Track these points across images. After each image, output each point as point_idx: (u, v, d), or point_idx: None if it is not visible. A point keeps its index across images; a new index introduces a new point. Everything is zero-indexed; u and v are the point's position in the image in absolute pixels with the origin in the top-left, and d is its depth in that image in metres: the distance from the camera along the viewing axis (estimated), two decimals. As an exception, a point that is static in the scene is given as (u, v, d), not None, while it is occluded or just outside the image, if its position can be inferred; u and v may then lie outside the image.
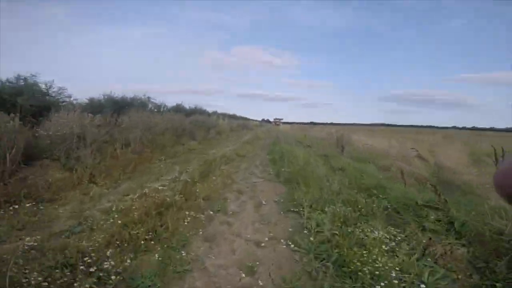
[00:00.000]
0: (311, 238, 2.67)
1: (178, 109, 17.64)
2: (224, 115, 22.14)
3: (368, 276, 2.01)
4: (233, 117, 32.95)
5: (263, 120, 77.64)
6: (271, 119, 51.46)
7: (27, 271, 1.89)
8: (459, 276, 2.05)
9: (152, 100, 12.11)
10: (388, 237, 2.66)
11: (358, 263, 2.14)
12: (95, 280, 1.90)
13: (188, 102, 19.32)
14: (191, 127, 11.63)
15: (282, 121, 45.25)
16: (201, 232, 2.88)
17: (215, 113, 18.92)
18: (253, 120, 46.31)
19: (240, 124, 25.61)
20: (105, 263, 2.07)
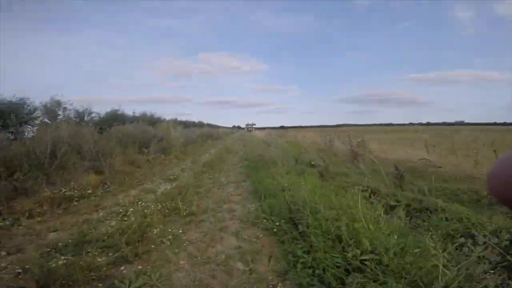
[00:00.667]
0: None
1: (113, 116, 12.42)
2: (181, 123, 17.05)
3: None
4: (198, 125, 27.83)
5: (234, 126, 73.82)
6: (243, 125, 47.62)
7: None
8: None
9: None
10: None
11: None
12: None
13: (150, 111, 14.82)
14: (102, 145, 6.55)
15: (254, 126, 41.77)
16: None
17: (163, 121, 13.86)
18: (223, 127, 41.48)
19: (205, 133, 20.64)
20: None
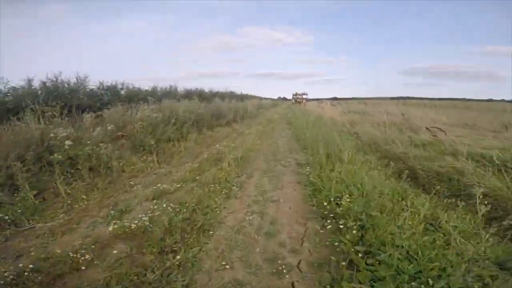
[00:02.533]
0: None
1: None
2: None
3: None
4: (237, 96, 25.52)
5: (279, 98, 69.64)
6: (289, 96, 41.76)
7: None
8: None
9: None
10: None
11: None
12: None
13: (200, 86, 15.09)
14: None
15: (306, 96, 34.09)
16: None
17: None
18: (266, 98, 38.22)
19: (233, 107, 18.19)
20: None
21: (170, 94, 12.94)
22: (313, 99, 37.25)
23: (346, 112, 13.31)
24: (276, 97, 67.36)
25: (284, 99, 68.14)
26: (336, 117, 11.46)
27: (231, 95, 22.52)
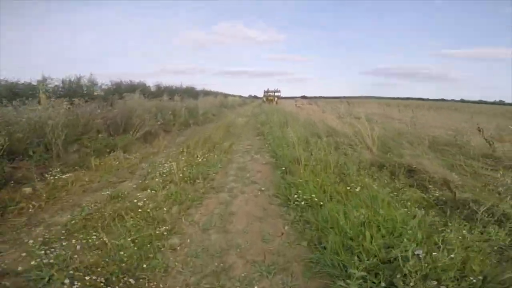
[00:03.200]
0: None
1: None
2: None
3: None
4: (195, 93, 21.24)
5: (250, 96, 66.30)
6: (260, 95, 38.23)
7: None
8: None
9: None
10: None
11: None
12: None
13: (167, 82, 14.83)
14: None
15: (279, 94, 29.62)
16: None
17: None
18: (234, 96, 33.77)
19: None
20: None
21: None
22: (284, 97, 33.86)
23: (339, 115, 9.59)
24: (247, 95, 64.24)
25: (255, 97, 64.87)
26: (332, 123, 7.64)
27: (187, 91, 17.94)
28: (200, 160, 5.07)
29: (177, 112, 9.60)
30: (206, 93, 21.32)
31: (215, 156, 5.45)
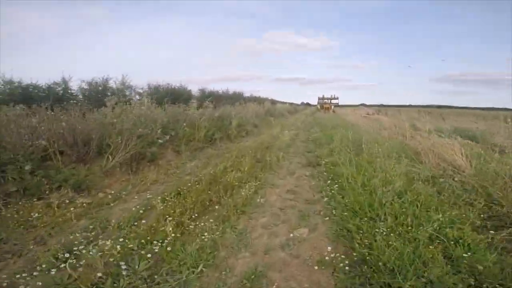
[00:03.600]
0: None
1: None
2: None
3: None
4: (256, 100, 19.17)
5: (302, 103, 63.13)
6: (314, 102, 34.48)
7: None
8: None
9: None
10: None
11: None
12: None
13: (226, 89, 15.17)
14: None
15: (336, 102, 25.34)
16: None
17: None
18: (283, 103, 30.71)
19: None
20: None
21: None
22: (340, 105, 29.22)
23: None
24: (299, 103, 61.38)
25: (308, 104, 61.14)
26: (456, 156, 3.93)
27: (234, 97, 15.74)
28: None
29: (199, 122, 7.06)
30: (252, 100, 18.91)
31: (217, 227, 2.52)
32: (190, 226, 2.53)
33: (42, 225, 2.69)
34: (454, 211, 2.61)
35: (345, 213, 2.74)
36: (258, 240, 2.42)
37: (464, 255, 1.92)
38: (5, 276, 1.89)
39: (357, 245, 2.13)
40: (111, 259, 1.96)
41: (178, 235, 2.36)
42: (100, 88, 8.74)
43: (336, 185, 3.57)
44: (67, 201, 3.24)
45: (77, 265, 1.89)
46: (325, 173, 4.31)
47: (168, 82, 11.80)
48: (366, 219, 2.55)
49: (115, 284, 1.73)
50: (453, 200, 2.94)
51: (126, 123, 4.70)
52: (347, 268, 1.94)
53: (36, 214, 2.85)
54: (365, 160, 4.41)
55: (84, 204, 3.21)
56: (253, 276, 1.89)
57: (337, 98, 25.26)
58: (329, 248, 2.21)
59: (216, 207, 3.02)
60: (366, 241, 2.17)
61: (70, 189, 3.49)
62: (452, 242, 2.09)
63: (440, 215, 2.43)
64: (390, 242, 2.07)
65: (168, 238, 2.26)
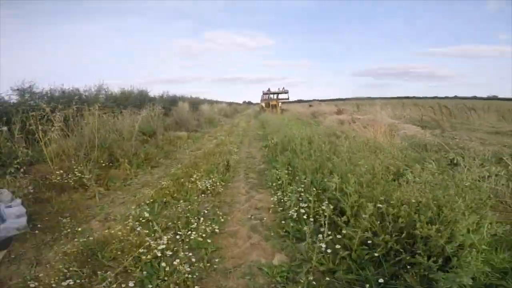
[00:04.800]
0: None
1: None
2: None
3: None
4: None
5: (244, 102, 59.86)
6: (255, 100, 30.69)
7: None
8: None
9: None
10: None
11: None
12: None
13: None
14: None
15: (285, 97, 20.44)
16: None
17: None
18: (218, 102, 25.43)
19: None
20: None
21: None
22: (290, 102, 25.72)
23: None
24: (241, 102, 57.86)
25: (249, 103, 57.89)
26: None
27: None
28: None
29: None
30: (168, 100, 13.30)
31: None
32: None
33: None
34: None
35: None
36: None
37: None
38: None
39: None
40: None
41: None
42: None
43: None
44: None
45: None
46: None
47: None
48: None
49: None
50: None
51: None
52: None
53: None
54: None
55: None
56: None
57: (287, 92, 21.03)
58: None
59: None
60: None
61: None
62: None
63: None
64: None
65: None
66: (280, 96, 20.56)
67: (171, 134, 7.64)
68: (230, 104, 27.94)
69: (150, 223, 2.50)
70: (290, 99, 21.55)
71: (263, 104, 20.67)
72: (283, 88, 20.22)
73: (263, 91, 21.28)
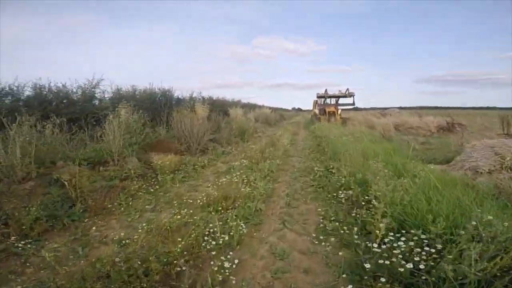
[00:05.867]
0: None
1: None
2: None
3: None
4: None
5: (293, 108, 58.00)
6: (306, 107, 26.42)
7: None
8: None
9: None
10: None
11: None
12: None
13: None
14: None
15: (350, 102, 15.59)
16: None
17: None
18: (262, 107, 21.74)
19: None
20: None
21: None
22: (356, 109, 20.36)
23: None
24: (290, 108, 54.88)
25: (299, 110, 53.66)
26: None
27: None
28: None
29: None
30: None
31: None
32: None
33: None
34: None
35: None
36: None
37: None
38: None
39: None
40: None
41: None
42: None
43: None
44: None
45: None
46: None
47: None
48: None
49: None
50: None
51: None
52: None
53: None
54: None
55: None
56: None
57: (352, 95, 15.47)
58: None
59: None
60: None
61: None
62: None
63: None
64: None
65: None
66: (342, 101, 15.81)
67: (130, 162, 4.01)
68: (274, 110, 23.96)
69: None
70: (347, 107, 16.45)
71: (317, 111, 16.11)
72: (347, 90, 15.33)
73: (317, 94, 16.75)
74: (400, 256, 1.61)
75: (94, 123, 5.43)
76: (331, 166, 4.51)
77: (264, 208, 3.04)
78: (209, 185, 3.92)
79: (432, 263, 1.54)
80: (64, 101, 5.55)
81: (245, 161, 5.18)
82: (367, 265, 1.62)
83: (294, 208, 3.13)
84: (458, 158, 4.11)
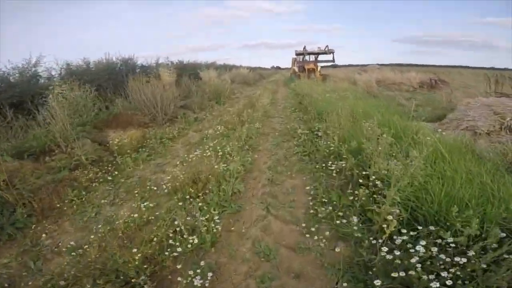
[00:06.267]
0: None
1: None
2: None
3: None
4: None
5: (273, 67, 55.31)
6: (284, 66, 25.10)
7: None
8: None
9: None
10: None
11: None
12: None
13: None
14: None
15: (328, 58, 14.35)
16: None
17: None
18: (239, 68, 20.31)
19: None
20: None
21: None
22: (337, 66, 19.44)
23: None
24: (269, 67, 52.93)
25: (278, 68, 51.84)
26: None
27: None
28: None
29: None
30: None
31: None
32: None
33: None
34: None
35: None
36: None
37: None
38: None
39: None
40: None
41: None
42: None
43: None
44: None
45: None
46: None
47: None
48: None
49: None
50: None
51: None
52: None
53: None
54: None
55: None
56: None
57: (332, 52, 14.26)
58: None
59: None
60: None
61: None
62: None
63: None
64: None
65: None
66: (321, 58, 14.95)
67: (81, 146, 3.30)
68: (253, 69, 22.56)
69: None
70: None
71: (296, 68, 15.28)
72: (326, 47, 14.43)
73: (296, 51, 15.66)
74: (419, 265, 1.22)
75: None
76: (316, 128, 4.07)
77: (243, 189, 2.57)
78: (178, 162, 3.35)
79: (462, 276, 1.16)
80: (1, 84, 4.72)
81: (220, 127, 4.59)
82: (377, 282, 1.22)
83: (278, 185, 2.69)
84: (451, 116, 3.80)
